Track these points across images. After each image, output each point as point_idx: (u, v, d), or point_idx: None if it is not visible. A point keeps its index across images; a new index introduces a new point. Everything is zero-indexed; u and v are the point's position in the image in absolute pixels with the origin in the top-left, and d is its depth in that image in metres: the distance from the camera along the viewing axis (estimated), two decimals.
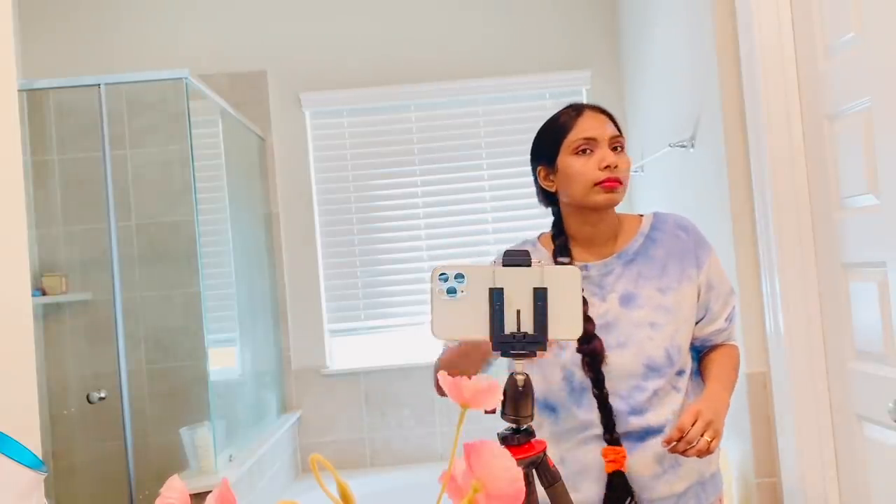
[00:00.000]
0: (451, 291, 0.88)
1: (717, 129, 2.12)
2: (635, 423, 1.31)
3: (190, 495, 0.53)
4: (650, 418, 1.31)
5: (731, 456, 2.16)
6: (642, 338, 1.31)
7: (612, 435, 1.30)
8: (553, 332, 0.87)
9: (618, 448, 1.29)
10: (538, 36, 3.30)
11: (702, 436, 1.20)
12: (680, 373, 1.36)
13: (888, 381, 1.57)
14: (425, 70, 3.29)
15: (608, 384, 1.31)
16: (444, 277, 0.88)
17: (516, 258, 0.89)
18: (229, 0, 3.30)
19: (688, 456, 1.21)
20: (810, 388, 1.86)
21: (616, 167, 1.31)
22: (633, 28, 3.06)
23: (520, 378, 0.87)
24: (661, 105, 2.74)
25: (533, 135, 1.44)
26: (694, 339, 1.40)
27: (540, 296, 0.87)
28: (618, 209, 1.41)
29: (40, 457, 0.75)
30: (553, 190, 1.38)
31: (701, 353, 1.43)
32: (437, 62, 3.30)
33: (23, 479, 0.69)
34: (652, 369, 1.31)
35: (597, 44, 3.31)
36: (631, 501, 1.30)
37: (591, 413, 1.32)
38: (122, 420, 2.45)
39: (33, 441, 1.18)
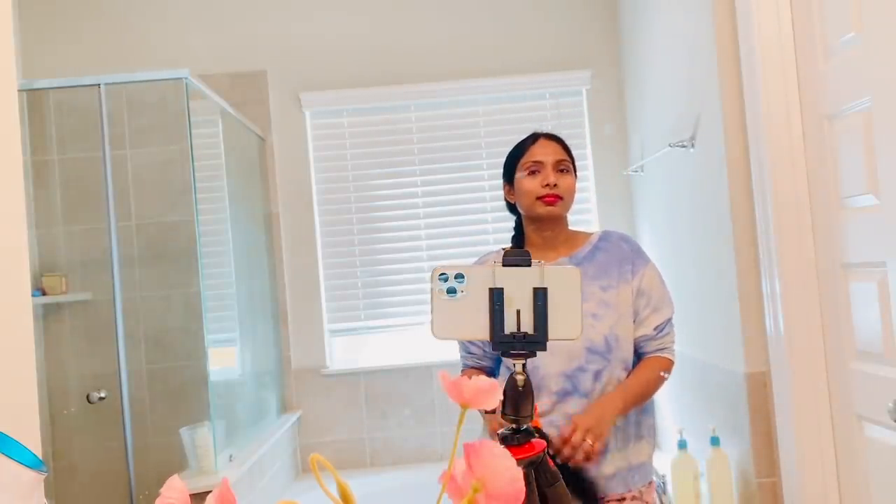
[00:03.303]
0: (451, 291, 0.88)
1: (717, 129, 2.12)
2: (576, 404, 1.51)
3: (190, 495, 0.53)
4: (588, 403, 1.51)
5: (731, 456, 2.16)
6: (585, 325, 1.50)
7: None
8: (553, 332, 0.87)
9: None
10: (538, 36, 3.30)
11: (584, 440, 1.39)
12: (625, 368, 1.57)
13: (888, 381, 1.57)
14: (425, 70, 3.29)
15: (555, 367, 1.52)
16: (444, 277, 0.88)
17: (516, 258, 0.89)
18: (229, 0, 3.30)
19: (576, 462, 1.39)
20: (810, 388, 1.86)
21: (556, 186, 1.57)
22: (633, 28, 3.06)
23: (520, 378, 0.87)
24: (661, 105, 2.74)
25: None
26: (634, 342, 1.60)
27: (540, 296, 0.87)
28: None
29: (40, 457, 0.75)
30: (513, 202, 1.66)
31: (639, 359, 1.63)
32: (436, 62, 3.30)
33: (23, 479, 0.69)
34: (592, 352, 1.53)
35: (597, 44, 3.31)
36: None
37: None
38: (122, 420, 2.45)
39: (33, 441, 1.18)
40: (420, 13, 3.32)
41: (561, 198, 1.57)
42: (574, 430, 1.41)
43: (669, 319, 1.62)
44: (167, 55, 3.25)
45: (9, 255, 1.19)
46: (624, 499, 1.56)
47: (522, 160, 1.61)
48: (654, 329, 1.59)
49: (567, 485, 1.39)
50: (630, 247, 1.65)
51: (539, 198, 1.57)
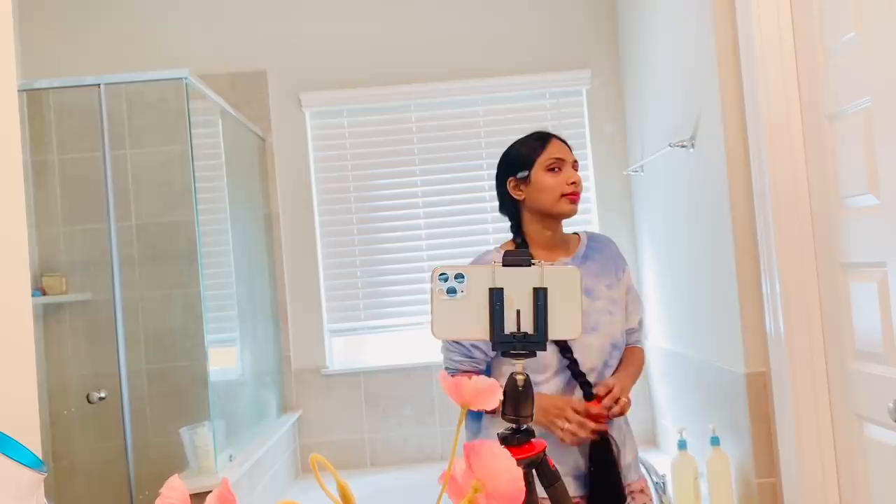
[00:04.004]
0: (452, 291, 0.88)
1: (717, 129, 2.12)
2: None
3: (190, 495, 0.53)
4: None
5: (731, 456, 2.16)
6: (606, 322, 1.62)
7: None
8: (553, 331, 0.87)
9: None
10: (538, 36, 3.30)
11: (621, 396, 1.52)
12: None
13: (888, 381, 1.57)
14: (425, 70, 3.29)
15: (588, 364, 1.58)
16: (444, 277, 0.88)
17: (516, 258, 0.89)
18: (229, 0, 3.30)
19: (612, 413, 1.51)
20: (810, 388, 1.86)
21: (578, 185, 1.62)
22: (633, 28, 3.06)
23: (520, 378, 0.87)
24: (661, 105, 2.74)
25: None
26: None
27: (540, 296, 0.87)
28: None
29: (40, 457, 0.75)
30: (521, 199, 1.64)
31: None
32: (436, 62, 3.30)
33: (23, 479, 0.69)
34: (615, 347, 1.63)
35: (597, 44, 3.31)
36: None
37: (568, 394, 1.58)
38: (122, 420, 2.45)
39: (33, 441, 1.17)
40: (420, 13, 3.31)
41: (579, 196, 1.63)
42: (615, 386, 1.53)
43: (643, 314, 1.78)
44: (167, 55, 3.25)
45: (9, 255, 1.19)
46: (642, 490, 1.65)
47: (542, 157, 1.61)
48: (638, 323, 1.74)
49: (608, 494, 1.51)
50: (615, 248, 1.75)
51: (565, 195, 1.60)
